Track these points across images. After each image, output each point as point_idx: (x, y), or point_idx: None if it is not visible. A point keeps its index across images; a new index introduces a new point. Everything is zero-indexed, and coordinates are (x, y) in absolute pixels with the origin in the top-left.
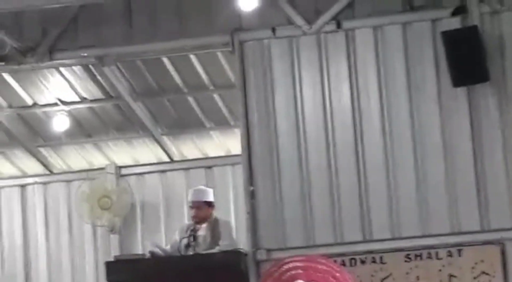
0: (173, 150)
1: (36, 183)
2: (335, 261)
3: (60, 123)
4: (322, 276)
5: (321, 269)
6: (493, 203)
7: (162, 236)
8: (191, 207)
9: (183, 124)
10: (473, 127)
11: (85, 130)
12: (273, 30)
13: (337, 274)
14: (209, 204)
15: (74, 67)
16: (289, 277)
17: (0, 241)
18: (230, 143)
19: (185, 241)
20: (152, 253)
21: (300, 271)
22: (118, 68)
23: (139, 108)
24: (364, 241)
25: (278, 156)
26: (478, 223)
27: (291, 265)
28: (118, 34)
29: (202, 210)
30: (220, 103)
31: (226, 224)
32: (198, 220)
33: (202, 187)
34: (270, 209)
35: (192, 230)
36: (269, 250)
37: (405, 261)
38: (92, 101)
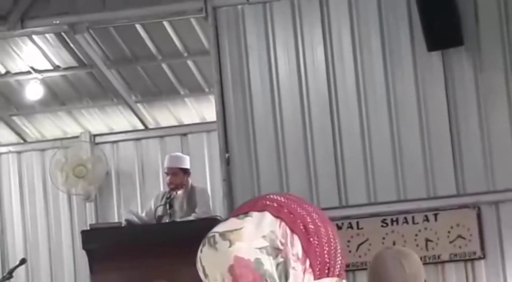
0: (147, 117)
1: (10, 152)
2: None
3: (33, 91)
4: (293, 217)
5: (298, 212)
6: (469, 167)
7: (138, 204)
8: (167, 174)
9: (157, 91)
10: (448, 91)
11: (58, 98)
12: None
13: (310, 226)
14: (185, 171)
15: (46, 35)
16: (261, 205)
17: None
18: (205, 110)
19: (160, 208)
20: (128, 221)
21: (274, 204)
22: (91, 35)
23: (113, 76)
24: (340, 207)
25: (253, 122)
26: (454, 187)
27: (271, 196)
28: (90, 1)
29: (177, 176)
30: (194, 70)
31: (202, 192)
32: (174, 186)
33: (178, 154)
34: (246, 175)
35: (168, 198)
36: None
37: (382, 226)
38: (65, 69)
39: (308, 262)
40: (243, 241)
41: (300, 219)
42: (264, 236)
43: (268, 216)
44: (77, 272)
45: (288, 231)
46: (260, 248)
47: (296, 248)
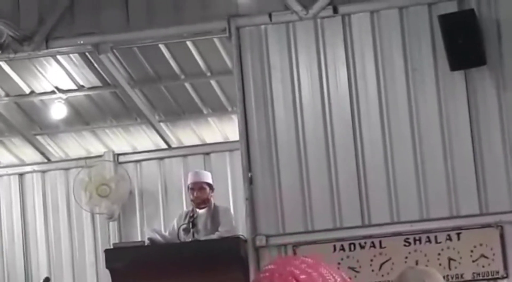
0: (170, 136)
1: (34, 171)
2: (334, 248)
3: (57, 111)
4: (284, 276)
5: (287, 270)
6: (492, 186)
7: (161, 223)
8: (192, 189)
9: (181, 111)
10: (471, 111)
11: (82, 118)
12: (270, 15)
13: (302, 276)
14: (210, 186)
15: (71, 55)
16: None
17: None
18: (228, 129)
19: (184, 227)
20: (151, 240)
21: (266, 274)
22: (115, 55)
23: (136, 96)
24: (363, 226)
25: (276, 141)
26: (477, 206)
27: (266, 267)
28: (114, 21)
29: (204, 191)
30: (217, 90)
31: (225, 211)
32: (200, 201)
33: (201, 170)
34: (268, 194)
35: (191, 217)
36: (268, 236)
37: (404, 245)
38: (89, 88)
39: None
40: None
41: (291, 275)
42: None
43: None
44: None
45: None
46: None
47: None
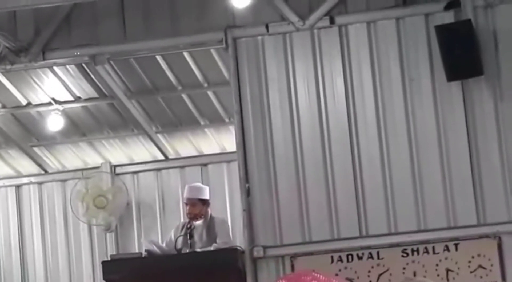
0: (168, 148)
1: (31, 182)
2: (332, 259)
3: (54, 122)
4: None
5: None
6: (489, 196)
7: (158, 234)
8: (186, 204)
9: (178, 122)
10: (468, 121)
11: (79, 129)
12: (267, 26)
13: None
14: (204, 202)
15: (67, 66)
16: None
17: None
18: (225, 140)
19: (180, 239)
20: (149, 252)
21: None
22: (112, 66)
23: (133, 107)
24: (361, 237)
25: (273, 152)
26: (475, 217)
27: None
28: (111, 33)
29: (196, 207)
30: (215, 101)
31: (222, 222)
32: (192, 216)
33: (198, 184)
34: (266, 206)
35: (188, 228)
36: (265, 247)
37: (402, 256)
38: (86, 100)
39: None
40: None
41: None
42: None
43: None
44: None
45: None
46: None
47: None
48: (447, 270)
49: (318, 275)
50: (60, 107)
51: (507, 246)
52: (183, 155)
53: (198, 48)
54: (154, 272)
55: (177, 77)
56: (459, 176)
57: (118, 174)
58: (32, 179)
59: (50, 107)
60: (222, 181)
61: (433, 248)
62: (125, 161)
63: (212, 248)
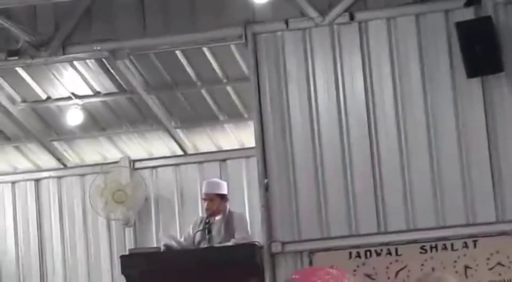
0: (186, 143)
1: (50, 177)
2: (350, 254)
3: (73, 117)
4: None
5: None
6: (508, 193)
7: (177, 229)
8: (204, 199)
9: (197, 117)
10: (488, 118)
11: (98, 124)
12: (286, 22)
13: None
14: (222, 197)
15: (87, 61)
16: None
17: (15, 236)
18: (244, 136)
19: (199, 234)
20: (167, 246)
21: None
22: (131, 61)
23: (152, 102)
24: (379, 233)
25: (292, 148)
26: (493, 214)
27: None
28: (131, 28)
29: (214, 202)
30: (234, 96)
31: (240, 217)
32: (211, 212)
33: (216, 179)
34: (284, 201)
35: (206, 223)
36: (284, 243)
37: (420, 252)
38: (105, 94)
39: None
40: None
41: None
42: None
43: None
44: None
45: None
46: None
47: None
48: (466, 267)
49: (332, 270)
50: (80, 102)
51: None
52: (202, 150)
53: (218, 44)
54: (172, 266)
55: (197, 72)
56: (478, 173)
57: (137, 169)
58: (52, 173)
59: (70, 102)
60: (240, 176)
61: (452, 244)
62: (144, 156)
63: (230, 243)
